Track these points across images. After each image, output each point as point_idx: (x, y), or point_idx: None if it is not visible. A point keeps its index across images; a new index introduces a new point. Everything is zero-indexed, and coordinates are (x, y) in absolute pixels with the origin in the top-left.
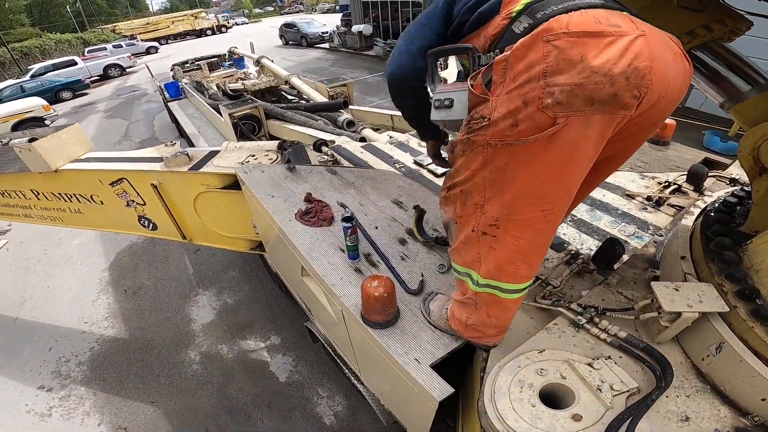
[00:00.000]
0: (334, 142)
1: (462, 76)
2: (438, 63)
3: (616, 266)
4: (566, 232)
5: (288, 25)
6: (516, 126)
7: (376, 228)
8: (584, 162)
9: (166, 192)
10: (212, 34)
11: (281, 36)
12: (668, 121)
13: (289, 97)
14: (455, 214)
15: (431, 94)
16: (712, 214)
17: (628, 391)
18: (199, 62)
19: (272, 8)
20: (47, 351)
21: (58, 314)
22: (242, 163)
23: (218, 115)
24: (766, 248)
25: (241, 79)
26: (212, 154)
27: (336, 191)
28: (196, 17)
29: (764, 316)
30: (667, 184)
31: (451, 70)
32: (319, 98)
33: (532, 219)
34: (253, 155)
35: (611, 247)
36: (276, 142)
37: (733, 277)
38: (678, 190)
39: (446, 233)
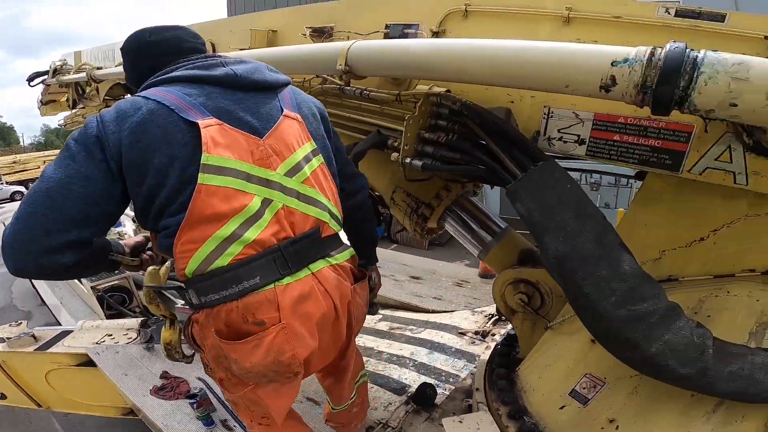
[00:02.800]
0: None
1: None
2: None
3: (438, 401)
4: (408, 376)
5: None
6: (230, 381)
7: None
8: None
9: (11, 368)
10: None
11: None
12: None
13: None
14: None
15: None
16: (499, 346)
17: None
18: None
19: None
20: None
21: None
22: (97, 343)
23: (81, 286)
24: (528, 371)
25: None
26: (64, 334)
27: (196, 366)
28: None
29: (529, 431)
30: (491, 316)
31: None
32: None
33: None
34: (110, 334)
35: (423, 391)
36: (139, 320)
37: (505, 401)
38: (499, 320)
39: None
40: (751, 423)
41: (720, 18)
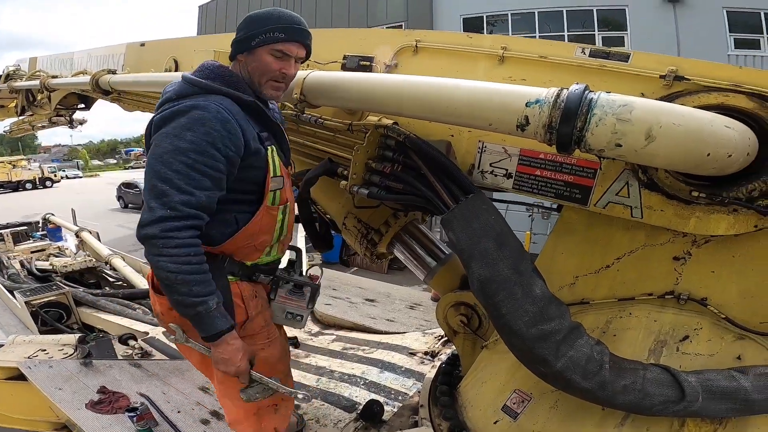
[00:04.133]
0: (148, 333)
1: None
2: None
3: (386, 418)
4: (358, 394)
5: (128, 185)
6: None
7: (179, 412)
8: None
9: None
10: (33, 188)
11: (119, 197)
12: None
13: (111, 279)
14: None
15: None
16: (444, 365)
17: None
18: (1, 231)
19: (114, 161)
20: None
21: None
22: (29, 357)
23: (15, 301)
24: (467, 388)
25: (54, 255)
26: None
27: (138, 383)
28: (14, 165)
29: None
30: (441, 337)
31: None
32: (143, 283)
33: None
34: (44, 349)
35: (370, 408)
36: (77, 336)
37: (446, 417)
38: (448, 341)
39: None
40: None
41: (625, 58)
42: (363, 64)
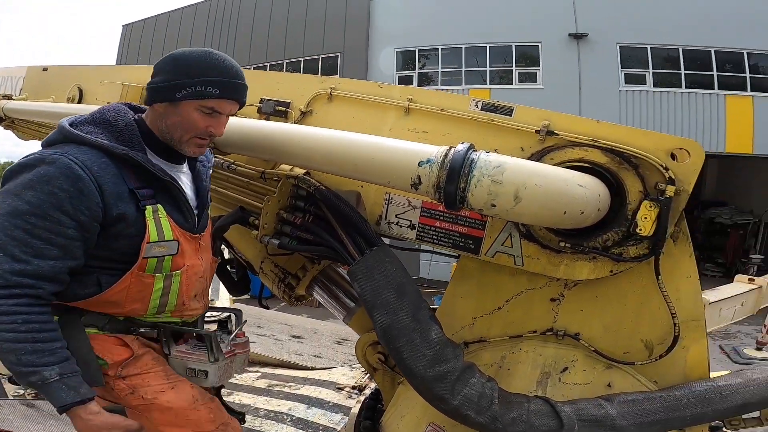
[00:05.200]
0: None
1: None
2: None
3: None
4: (285, 431)
5: None
6: None
7: None
8: None
9: None
10: None
11: None
12: None
13: None
14: None
15: None
16: (368, 400)
17: None
18: None
19: None
20: None
21: None
22: None
23: None
24: (389, 422)
25: None
26: None
27: (32, 423)
28: None
29: None
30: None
31: None
32: None
33: None
34: None
35: None
36: None
37: None
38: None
39: None
40: None
41: (509, 112)
42: (279, 108)
